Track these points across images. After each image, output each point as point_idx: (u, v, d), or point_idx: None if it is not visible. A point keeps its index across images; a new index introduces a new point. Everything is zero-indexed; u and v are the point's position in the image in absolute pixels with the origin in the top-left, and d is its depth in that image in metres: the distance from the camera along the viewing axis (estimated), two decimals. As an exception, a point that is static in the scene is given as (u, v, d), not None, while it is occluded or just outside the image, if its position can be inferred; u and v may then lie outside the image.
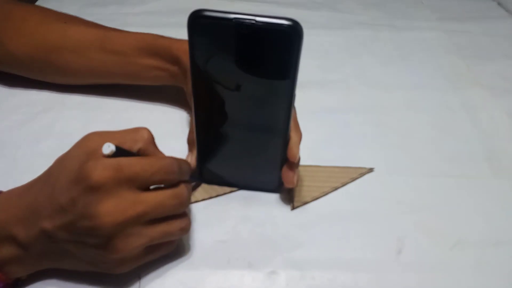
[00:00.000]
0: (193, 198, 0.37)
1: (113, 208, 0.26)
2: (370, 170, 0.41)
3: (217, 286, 0.31)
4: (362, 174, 0.40)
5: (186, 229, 0.31)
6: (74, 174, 0.26)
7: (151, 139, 0.30)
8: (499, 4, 0.72)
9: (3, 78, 0.49)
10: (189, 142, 0.38)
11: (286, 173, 0.35)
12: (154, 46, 0.42)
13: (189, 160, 0.37)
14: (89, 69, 0.44)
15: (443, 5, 0.71)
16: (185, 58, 0.40)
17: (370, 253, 0.34)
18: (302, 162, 0.41)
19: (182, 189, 0.29)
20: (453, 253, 0.34)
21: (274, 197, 0.38)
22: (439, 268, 0.33)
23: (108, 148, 0.26)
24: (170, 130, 0.44)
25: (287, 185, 0.36)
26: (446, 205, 0.38)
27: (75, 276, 0.31)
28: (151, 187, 0.28)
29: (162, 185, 0.29)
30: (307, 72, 0.54)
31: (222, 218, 0.36)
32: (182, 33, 0.55)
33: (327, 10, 0.67)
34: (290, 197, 0.38)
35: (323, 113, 0.47)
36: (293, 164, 0.34)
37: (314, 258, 0.33)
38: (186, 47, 0.40)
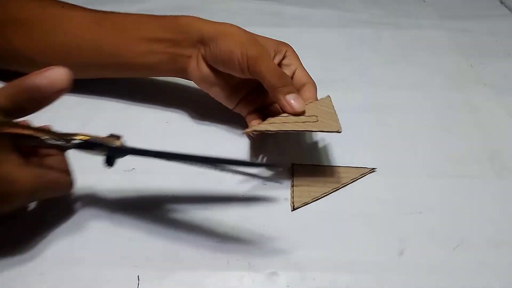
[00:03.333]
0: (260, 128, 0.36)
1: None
2: (372, 170, 0.40)
3: (216, 287, 0.31)
4: (364, 174, 0.40)
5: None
6: None
7: None
8: (502, 2, 0.71)
9: (1, 77, 0.48)
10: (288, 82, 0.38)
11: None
12: (157, 19, 0.42)
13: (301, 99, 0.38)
14: (84, 54, 0.43)
15: (445, 3, 0.70)
16: (198, 23, 0.39)
17: (371, 254, 0.33)
18: (303, 162, 0.41)
19: None
20: (456, 254, 0.34)
21: (274, 197, 0.37)
22: (442, 269, 0.33)
23: None
24: (170, 129, 0.44)
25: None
26: (449, 205, 0.37)
27: (73, 276, 0.31)
28: None
29: None
30: (308, 71, 0.53)
31: (222, 219, 0.35)
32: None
33: (328, 8, 0.67)
34: (290, 197, 0.37)
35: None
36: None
37: (314, 259, 0.33)
38: (193, 17, 0.40)
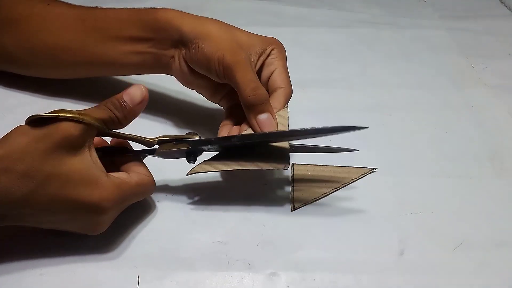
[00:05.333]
0: (213, 168, 0.35)
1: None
2: (372, 170, 0.40)
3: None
4: (364, 175, 0.40)
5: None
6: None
7: None
8: (502, 2, 0.71)
9: None
10: (262, 99, 0.35)
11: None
12: (137, 16, 0.40)
13: (273, 119, 0.35)
14: (71, 53, 0.42)
15: (445, 3, 0.70)
16: (179, 22, 0.38)
17: (372, 254, 0.33)
18: (303, 162, 0.41)
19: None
20: (456, 254, 0.34)
21: (274, 197, 0.37)
22: (442, 270, 0.33)
23: None
24: (169, 130, 0.44)
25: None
26: (449, 205, 0.37)
27: (73, 276, 0.31)
28: None
29: None
30: (308, 71, 0.53)
31: (222, 219, 0.35)
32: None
33: (329, 8, 0.67)
34: (290, 197, 0.37)
35: (324, 112, 0.47)
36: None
37: (315, 259, 0.33)
38: (175, 12, 0.38)
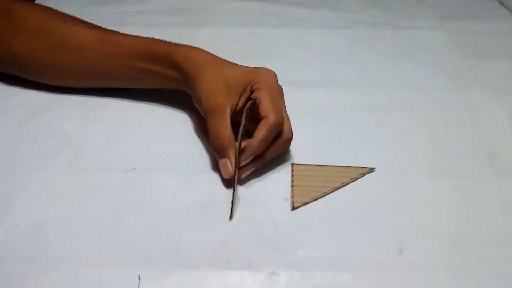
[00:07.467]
0: None
1: None
2: (371, 170, 0.40)
3: (216, 287, 0.31)
4: (363, 174, 0.40)
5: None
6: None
7: None
8: (501, 3, 0.71)
9: (2, 78, 0.49)
10: (220, 147, 0.37)
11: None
12: (152, 51, 0.42)
13: (229, 166, 0.37)
14: (87, 70, 0.44)
15: (444, 4, 0.70)
16: (185, 64, 0.40)
17: (371, 253, 0.34)
18: (303, 162, 0.41)
19: None
20: (455, 254, 0.34)
21: (274, 197, 0.38)
22: (440, 269, 0.33)
23: None
24: (170, 129, 0.44)
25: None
26: (448, 205, 0.38)
27: (74, 276, 0.31)
28: None
29: None
30: (308, 71, 0.54)
31: (222, 218, 0.36)
32: (182, 32, 0.55)
33: (328, 9, 0.67)
34: (290, 197, 0.37)
35: (324, 112, 0.47)
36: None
37: (314, 258, 0.33)
38: (185, 52, 0.40)
